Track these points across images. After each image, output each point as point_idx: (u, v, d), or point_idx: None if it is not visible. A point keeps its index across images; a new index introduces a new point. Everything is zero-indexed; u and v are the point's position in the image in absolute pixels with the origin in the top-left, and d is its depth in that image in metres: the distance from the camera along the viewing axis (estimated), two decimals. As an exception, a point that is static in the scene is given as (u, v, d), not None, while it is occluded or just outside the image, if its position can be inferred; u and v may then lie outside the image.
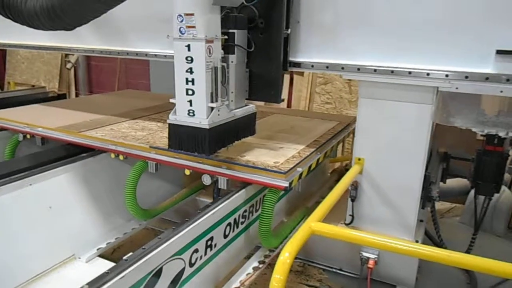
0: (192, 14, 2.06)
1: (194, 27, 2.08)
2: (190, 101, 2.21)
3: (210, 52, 2.13)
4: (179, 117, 2.29)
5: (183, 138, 2.31)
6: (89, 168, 2.69)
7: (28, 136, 3.14)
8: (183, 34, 2.12)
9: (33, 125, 3.09)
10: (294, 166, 2.34)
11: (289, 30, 2.42)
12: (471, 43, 2.04)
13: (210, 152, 2.28)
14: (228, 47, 2.31)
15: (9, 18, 2.49)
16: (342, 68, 2.36)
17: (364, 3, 2.23)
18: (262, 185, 2.30)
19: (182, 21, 2.10)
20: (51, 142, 3.05)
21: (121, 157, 2.70)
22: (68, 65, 6.79)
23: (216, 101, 2.21)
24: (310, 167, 2.49)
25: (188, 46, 2.13)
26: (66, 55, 6.80)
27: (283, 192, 2.34)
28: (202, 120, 2.21)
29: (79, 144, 2.82)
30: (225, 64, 2.25)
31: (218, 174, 2.37)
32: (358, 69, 2.31)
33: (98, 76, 7.22)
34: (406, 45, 2.18)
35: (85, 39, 3.38)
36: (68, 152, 2.79)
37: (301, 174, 2.36)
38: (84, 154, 2.74)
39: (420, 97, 2.23)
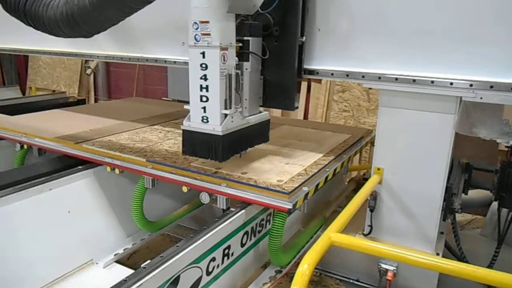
0: (207, 22, 2.09)
1: (209, 34, 2.10)
2: (204, 108, 2.22)
3: (224, 59, 2.14)
4: (193, 123, 2.29)
5: (196, 145, 2.30)
6: (108, 173, 2.70)
7: (25, 146, 3.06)
8: (198, 41, 2.14)
9: (30, 135, 3.02)
10: (299, 186, 2.19)
11: (304, 37, 2.41)
12: (497, 52, 1.99)
13: (223, 158, 2.27)
14: (242, 54, 2.32)
15: (30, 25, 2.53)
16: (363, 76, 2.33)
17: (384, 11, 2.21)
18: (263, 206, 2.18)
19: (197, 28, 2.12)
20: (48, 153, 2.95)
21: (117, 171, 2.61)
22: (88, 71, 6.91)
23: (230, 108, 2.21)
24: (317, 186, 2.33)
25: (203, 53, 2.14)
26: (86, 61, 6.92)
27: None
28: (215, 126, 2.21)
29: (75, 156, 2.72)
30: (239, 71, 2.25)
31: (217, 193, 2.24)
32: (379, 77, 2.28)
33: (117, 82, 7.33)
34: (429, 54, 2.15)
35: (104, 45, 3.43)
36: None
37: (307, 194, 2.20)
38: (103, 160, 2.76)
39: (442, 106, 2.19)
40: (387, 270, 2.44)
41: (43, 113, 3.85)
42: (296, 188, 2.17)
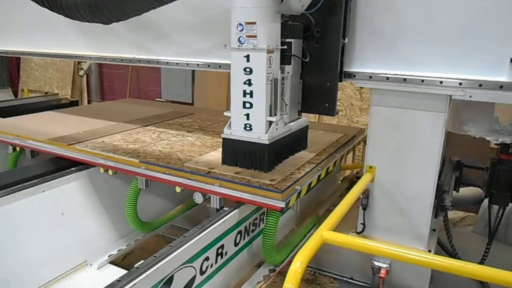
0: (254, 23, 1.97)
1: (255, 36, 1.98)
2: (247, 115, 2.12)
3: (270, 63, 2.04)
4: (235, 131, 2.19)
5: (239, 154, 2.22)
6: (101, 175, 2.70)
7: (17, 148, 3.06)
8: (242, 44, 2.03)
9: (23, 137, 3.01)
10: (292, 184, 2.18)
11: (346, 39, 2.28)
12: (485, 51, 2.02)
13: (269, 168, 2.21)
14: (284, 57, 2.20)
15: (45, 7, 2.47)
16: (354, 76, 2.35)
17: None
18: (257, 205, 2.17)
19: (242, 30, 2.00)
20: (41, 154, 2.95)
21: (110, 172, 2.60)
22: (81, 72, 6.88)
23: (275, 114, 2.11)
24: (310, 184, 2.34)
25: (247, 56, 2.03)
26: (79, 62, 6.89)
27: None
28: (260, 135, 2.12)
29: (68, 158, 2.72)
30: (285, 75, 2.15)
31: (210, 193, 2.22)
32: (370, 77, 2.30)
33: (110, 83, 7.31)
34: (419, 53, 2.17)
35: (97, 46, 3.42)
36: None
37: (299, 193, 2.20)
38: (96, 161, 2.76)
39: (433, 105, 2.21)
40: (380, 267, 2.47)
41: (36, 115, 3.84)
42: (288, 187, 2.16)
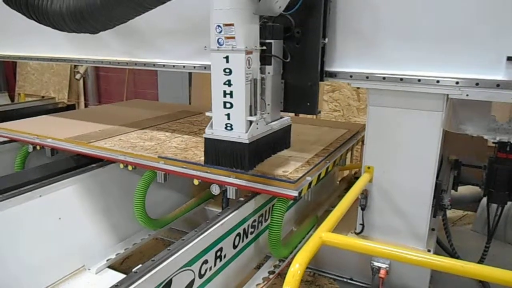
0: (232, 24, 2.00)
1: (233, 37, 2.02)
2: (228, 115, 2.15)
3: (249, 64, 2.07)
4: (216, 131, 2.23)
5: (220, 154, 2.25)
6: (99, 179, 2.70)
7: (38, 147, 3.17)
8: (221, 45, 2.06)
9: (43, 136, 3.13)
10: (303, 175, 2.31)
11: (327, 39, 2.31)
12: (482, 50, 2.02)
13: (250, 167, 2.24)
14: (265, 57, 2.24)
15: (32, 19, 2.48)
16: (351, 76, 2.35)
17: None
18: (271, 194, 2.28)
19: (220, 31, 2.04)
20: (61, 153, 3.09)
21: (129, 167, 2.70)
22: (77, 76, 6.86)
23: (255, 114, 2.15)
24: (319, 176, 2.46)
25: (227, 57, 2.07)
26: (75, 66, 6.87)
27: (292, 201, 2.32)
28: (241, 134, 2.15)
29: (89, 155, 2.84)
30: (264, 76, 2.18)
31: (227, 184, 2.34)
32: (367, 77, 2.30)
33: (106, 86, 7.29)
34: (415, 53, 2.17)
35: (93, 50, 3.41)
36: (77, 163, 2.81)
37: (310, 183, 2.33)
38: (93, 165, 2.76)
39: (430, 104, 2.21)
40: (379, 268, 2.46)
41: (37, 118, 3.84)
42: (300, 177, 2.27)
